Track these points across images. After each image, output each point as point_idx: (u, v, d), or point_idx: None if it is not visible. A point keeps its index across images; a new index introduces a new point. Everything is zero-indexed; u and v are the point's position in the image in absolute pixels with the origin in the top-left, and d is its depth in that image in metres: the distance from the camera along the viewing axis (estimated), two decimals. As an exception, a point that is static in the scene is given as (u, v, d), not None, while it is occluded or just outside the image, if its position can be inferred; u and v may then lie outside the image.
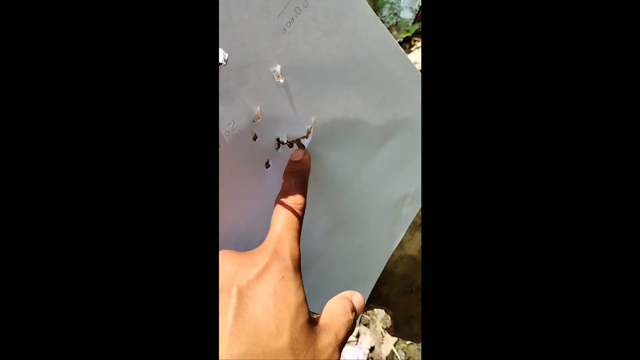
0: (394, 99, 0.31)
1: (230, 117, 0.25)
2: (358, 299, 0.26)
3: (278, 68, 0.25)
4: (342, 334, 0.23)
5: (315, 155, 0.30)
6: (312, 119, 0.28)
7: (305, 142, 0.29)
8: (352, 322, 0.25)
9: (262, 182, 0.29)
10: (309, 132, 0.29)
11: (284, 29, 0.25)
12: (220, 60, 0.23)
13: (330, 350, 0.22)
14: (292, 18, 0.25)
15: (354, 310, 0.25)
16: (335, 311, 0.25)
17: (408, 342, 0.78)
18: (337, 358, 0.23)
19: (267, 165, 0.28)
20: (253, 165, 0.28)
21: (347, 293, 0.26)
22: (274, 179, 0.29)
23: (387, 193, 0.37)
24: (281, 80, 0.26)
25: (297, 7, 0.24)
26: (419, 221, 0.49)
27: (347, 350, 0.88)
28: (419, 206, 0.40)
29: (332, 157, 0.31)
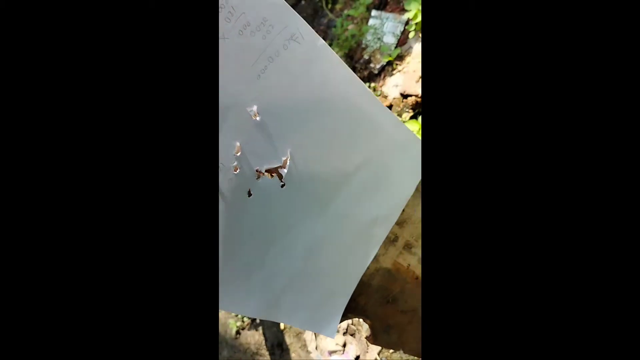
0: (363, 131, 0.36)
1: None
2: None
3: (255, 108, 0.30)
4: None
5: (293, 184, 0.34)
6: (288, 151, 0.33)
7: (282, 171, 0.33)
8: None
9: (246, 208, 0.33)
10: (285, 163, 0.33)
11: (259, 75, 0.29)
12: None
13: None
14: (265, 66, 0.29)
15: None
16: None
17: (391, 351, 0.82)
18: None
19: (249, 194, 0.33)
20: (236, 194, 0.32)
21: None
22: (256, 205, 0.33)
23: (360, 215, 0.41)
24: (258, 119, 0.30)
25: (270, 56, 0.29)
26: (392, 237, 0.54)
27: (335, 358, 0.91)
28: (390, 226, 0.45)
29: (309, 185, 0.35)
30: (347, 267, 0.44)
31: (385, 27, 1.03)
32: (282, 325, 1.08)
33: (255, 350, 1.07)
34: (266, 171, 0.33)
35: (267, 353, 1.06)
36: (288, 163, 0.33)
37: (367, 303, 0.55)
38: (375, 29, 1.06)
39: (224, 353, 1.10)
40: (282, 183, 0.34)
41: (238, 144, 0.31)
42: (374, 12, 1.11)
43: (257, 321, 1.11)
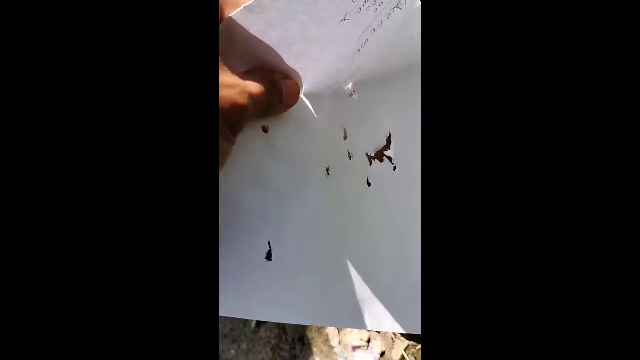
0: None
1: (326, 141, 0.28)
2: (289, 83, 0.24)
3: (350, 85, 0.28)
4: None
5: (401, 165, 0.31)
6: (389, 129, 0.30)
7: (389, 153, 0.30)
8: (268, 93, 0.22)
9: (367, 200, 0.30)
10: (389, 142, 0.30)
11: (359, 50, 0.27)
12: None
13: None
14: (367, 39, 0.26)
15: (277, 83, 0.22)
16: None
17: (418, 347, 0.84)
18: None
19: (368, 183, 0.30)
20: (354, 186, 0.29)
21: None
22: (375, 196, 0.30)
23: None
24: (355, 97, 0.28)
25: (373, 28, 0.26)
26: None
27: (359, 354, 0.93)
28: None
29: (415, 163, 0.31)
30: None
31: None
32: (304, 320, 1.10)
33: (275, 344, 1.08)
34: (375, 154, 0.29)
35: (287, 347, 1.07)
36: (392, 142, 0.30)
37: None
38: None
39: (242, 346, 1.11)
40: (393, 165, 0.30)
41: (344, 127, 0.28)
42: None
43: (278, 315, 1.12)
